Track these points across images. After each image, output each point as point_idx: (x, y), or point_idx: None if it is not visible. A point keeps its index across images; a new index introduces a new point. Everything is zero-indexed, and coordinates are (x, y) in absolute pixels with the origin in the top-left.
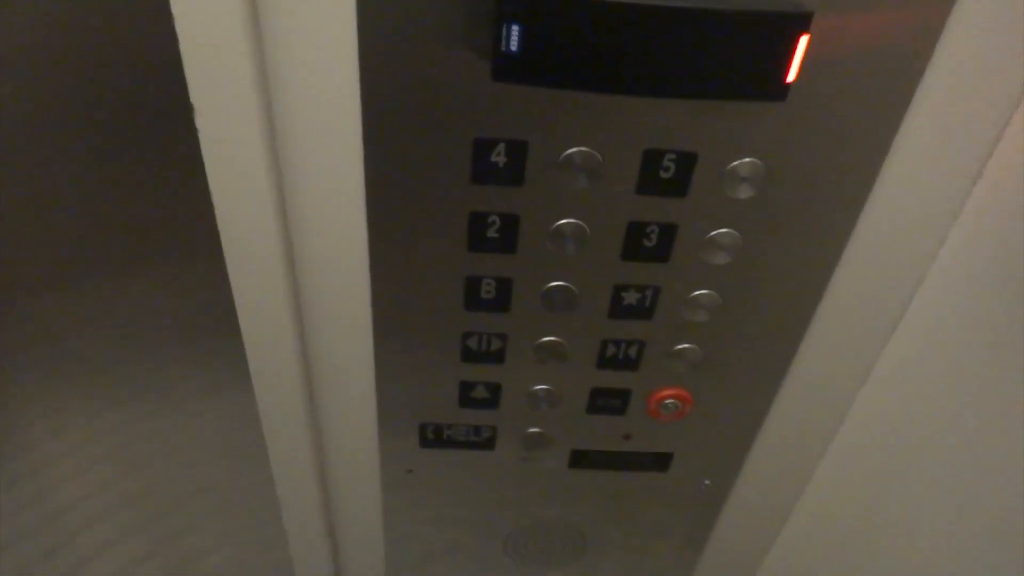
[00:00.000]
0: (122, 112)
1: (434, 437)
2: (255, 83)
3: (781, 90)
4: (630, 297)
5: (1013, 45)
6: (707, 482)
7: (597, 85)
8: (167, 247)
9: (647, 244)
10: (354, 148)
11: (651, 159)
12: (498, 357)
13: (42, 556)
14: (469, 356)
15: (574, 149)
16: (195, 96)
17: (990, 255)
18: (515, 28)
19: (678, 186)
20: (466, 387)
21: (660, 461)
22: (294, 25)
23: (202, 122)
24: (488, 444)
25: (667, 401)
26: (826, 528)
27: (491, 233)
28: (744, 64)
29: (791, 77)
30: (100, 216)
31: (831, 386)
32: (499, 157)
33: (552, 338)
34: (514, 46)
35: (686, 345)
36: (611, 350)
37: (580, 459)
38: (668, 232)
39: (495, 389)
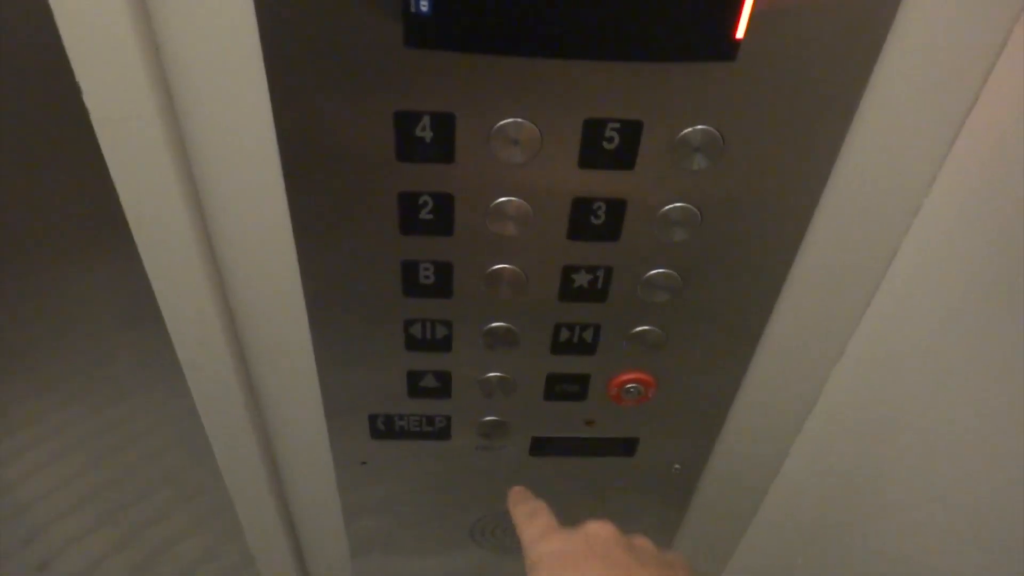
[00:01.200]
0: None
1: (385, 428)
2: (143, 56)
3: (730, 48)
4: (581, 278)
5: None
6: (677, 466)
7: (522, 49)
8: (86, 235)
9: (594, 222)
10: (265, 121)
11: (593, 129)
12: (444, 345)
13: (16, 547)
14: (414, 344)
15: (507, 120)
16: (80, 74)
17: (967, 224)
18: None
19: (624, 158)
20: (414, 376)
21: (626, 446)
22: None
23: (91, 101)
24: (443, 434)
25: (629, 386)
26: (802, 509)
27: (424, 215)
28: (687, 21)
29: (740, 33)
30: (14, 210)
31: (804, 362)
32: (424, 132)
33: (501, 323)
34: (424, 6)
35: (646, 327)
36: (564, 334)
37: (541, 446)
38: (616, 208)
39: (445, 378)
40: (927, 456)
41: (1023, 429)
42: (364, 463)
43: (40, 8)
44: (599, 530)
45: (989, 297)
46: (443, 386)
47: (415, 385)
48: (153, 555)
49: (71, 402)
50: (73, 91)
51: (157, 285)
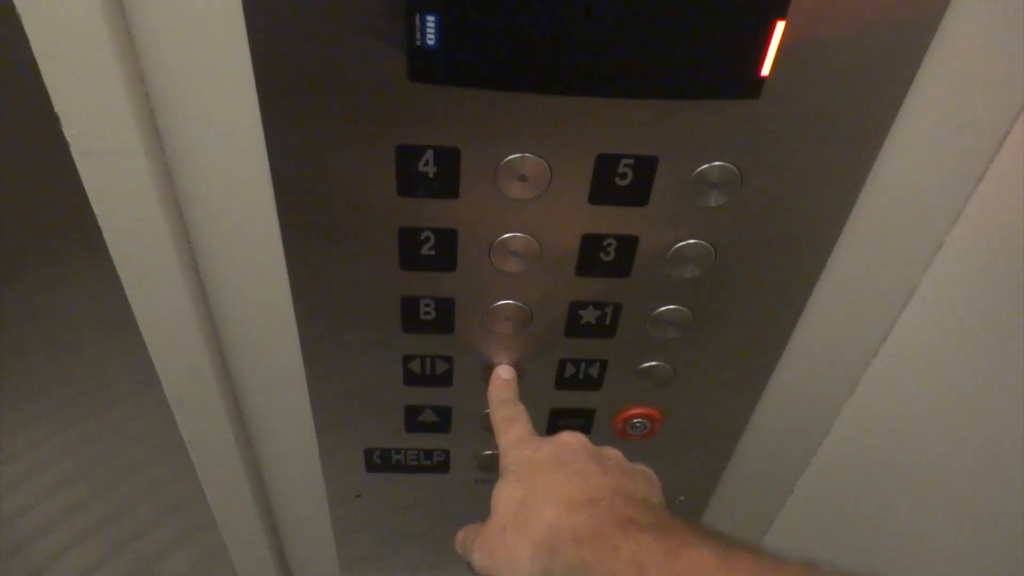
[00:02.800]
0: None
1: (381, 462)
2: (127, 86)
3: (754, 86)
4: (588, 315)
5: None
6: (681, 498)
7: (533, 85)
8: (68, 241)
9: (604, 259)
10: (258, 152)
11: (605, 165)
12: (445, 380)
13: (2, 558)
14: (412, 380)
15: (515, 155)
16: (59, 104)
17: (985, 265)
18: (430, 19)
19: (637, 194)
20: (412, 411)
21: None
22: (167, 15)
23: (71, 133)
24: (441, 467)
25: (635, 420)
26: (807, 541)
27: (425, 250)
28: (710, 58)
29: (765, 71)
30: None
31: (815, 398)
32: (427, 167)
33: (503, 360)
34: (431, 40)
35: (654, 363)
36: (570, 369)
37: None
38: (627, 245)
39: (445, 412)
40: (931, 495)
41: None
42: (359, 496)
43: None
44: (570, 440)
45: (1006, 338)
46: (443, 420)
47: (414, 419)
48: (137, 570)
49: (55, 412)
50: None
51: (144, 322)
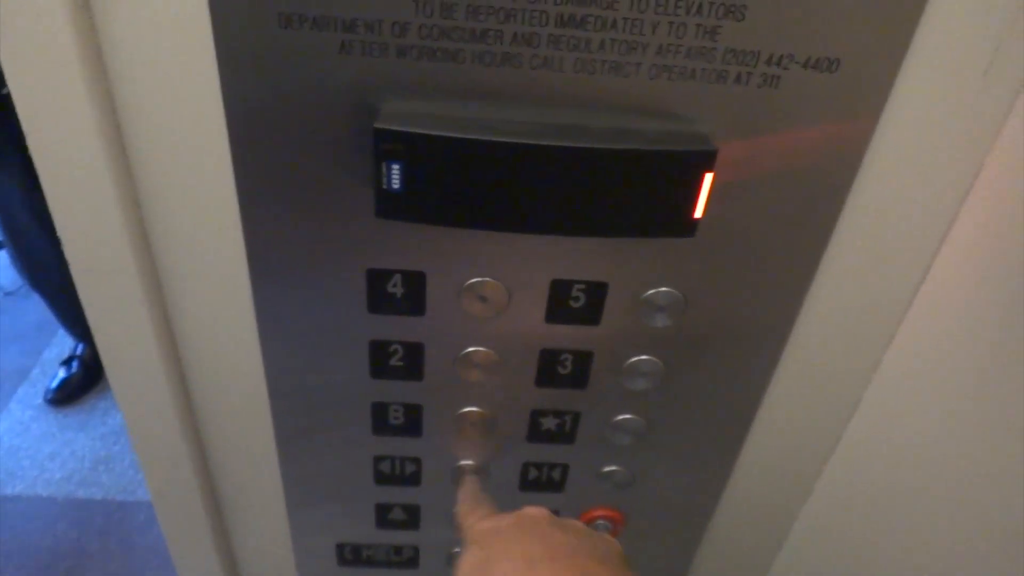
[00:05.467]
0: None
1: (353, 557)
2: (122, 215)
3: (689, 227)
4: (549, 422)
5: (941, 164)
6: None
7: (487, 224)
8: None
9: (562, 371)
10: (239, 270)
11: (559, 289)
12: (413, 480)
13: None
14: (383, 479)
15: (476, 279)
16: (62, 228)
17: (920, 394)
18: (395, 167)
19: (590, 315)
20: (383, 509)
21: None
22: (164, 149)
23: (71, 252)
24: (411, 563)
25: (598, 521)
26: None
27: (394, 361)
28: (647, 203)
29: (698, 214)
30: None
31: (770, 504)
32: (396, 288)
33: (469, 461)
34: (396, 184)
35: (613, 467)
36: (533, 473)
37: None
38: (583, 359)
39: (413, 511)
40: None
41: None
42: None
43: None
44: (532, 511)
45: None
46: (411, 518)
47: (384, 517)
48: None
49: None
50: None
51: (131, 421)
